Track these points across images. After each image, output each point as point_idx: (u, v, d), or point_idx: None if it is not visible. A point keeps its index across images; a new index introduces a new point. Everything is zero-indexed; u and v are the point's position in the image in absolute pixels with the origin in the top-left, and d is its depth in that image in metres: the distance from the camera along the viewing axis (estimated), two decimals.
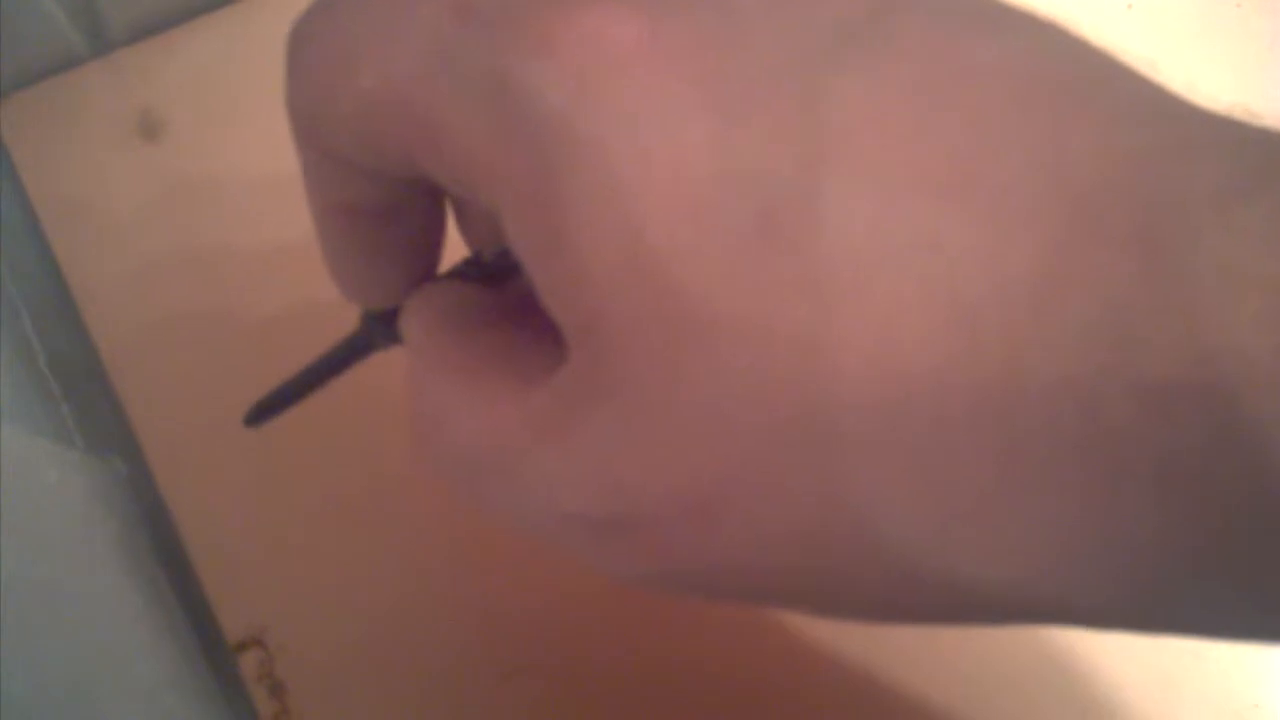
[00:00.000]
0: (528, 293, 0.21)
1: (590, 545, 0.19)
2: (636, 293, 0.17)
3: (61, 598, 0.29)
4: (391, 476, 0.33)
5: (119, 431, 0.33)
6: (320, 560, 0.33)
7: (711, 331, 0.16)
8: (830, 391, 0.16)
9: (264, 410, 0.28)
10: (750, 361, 0.16)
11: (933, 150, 0.16)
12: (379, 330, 0.24)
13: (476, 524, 0.32)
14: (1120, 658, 0.31)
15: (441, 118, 0.18)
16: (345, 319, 0.25)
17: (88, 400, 0.34)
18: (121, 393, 0.33)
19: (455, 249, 0.24)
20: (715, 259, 0.16)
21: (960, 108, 0.16)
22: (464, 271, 0.23)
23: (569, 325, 0.18)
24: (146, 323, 0.34)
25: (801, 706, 0.31)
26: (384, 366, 0.25)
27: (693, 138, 0.16)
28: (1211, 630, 0.16)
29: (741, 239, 0.16)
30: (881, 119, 0.16)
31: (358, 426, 0.33)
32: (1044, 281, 0.15)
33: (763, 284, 0.16)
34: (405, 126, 0.19)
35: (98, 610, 0.30)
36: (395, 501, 0.33)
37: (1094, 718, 0.31)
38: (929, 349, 0.15)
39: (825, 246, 0.15)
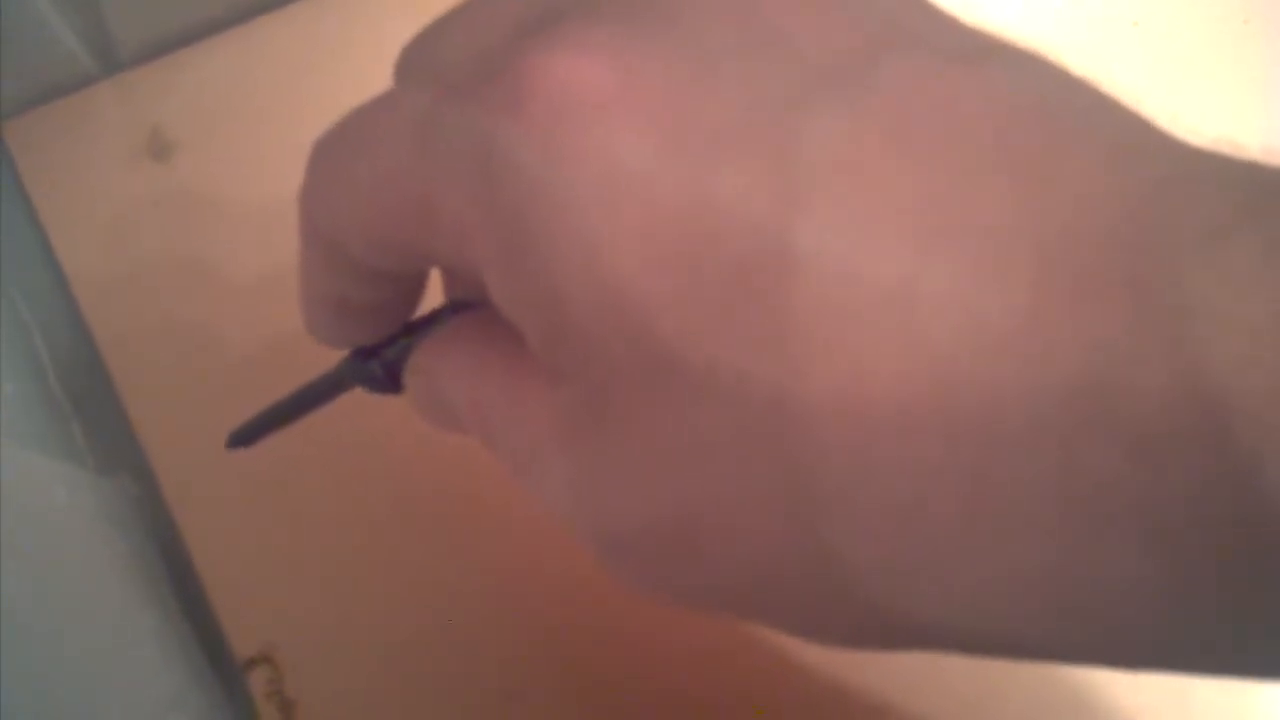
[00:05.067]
0: None
1: (598, 553, 0.20)
2: (616, 346, 0.17)
3: (70, 616, 0.29)
4: (401, 494, 0.33)
5: (129, 450, 0.34)
6: (329, 578, 0.33)
7: (686, 380, 0.17)
8: (799, 440, 0.16)
9: (247, 434, 0.28)
10: (722, 409, 0.16)
11: (911, 195, 0.15)
12: (360, 375, 0.25)
13: (486, 542, 0.32)
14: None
15: (430, 191, 0.19)
16: None
17: (98, 419, 0.34)
18: (131, 411, 0.34)
19: None
20: (690, 311, 0.16)
21: (941, 151, 0.16)
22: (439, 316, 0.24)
23: (560, 367, 0.19)
24: (157, 342, 0.34)
25: None
26: None
27: (664, 191, 0.16)
28: (1201, 669, 0.16)
29: (716, 291, 0.16)
30: (858, 164, 0.16)
31: (368, 445, 0.33)
32: (1023, 330, 0.14)
33: (736, 335, 0.16)
34: (401, 213, 0.19)
35: (106, 628, 0.30)
36: (405, 519, 0.33)
37: None
38: (900, 400, 0.15)
39: (797, 297, 0.15)
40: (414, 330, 0.24)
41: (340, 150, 0.21)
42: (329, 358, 0.26)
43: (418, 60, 0.21)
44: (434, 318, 0.23)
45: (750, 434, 0.16)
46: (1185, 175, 0.15)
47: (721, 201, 0.16)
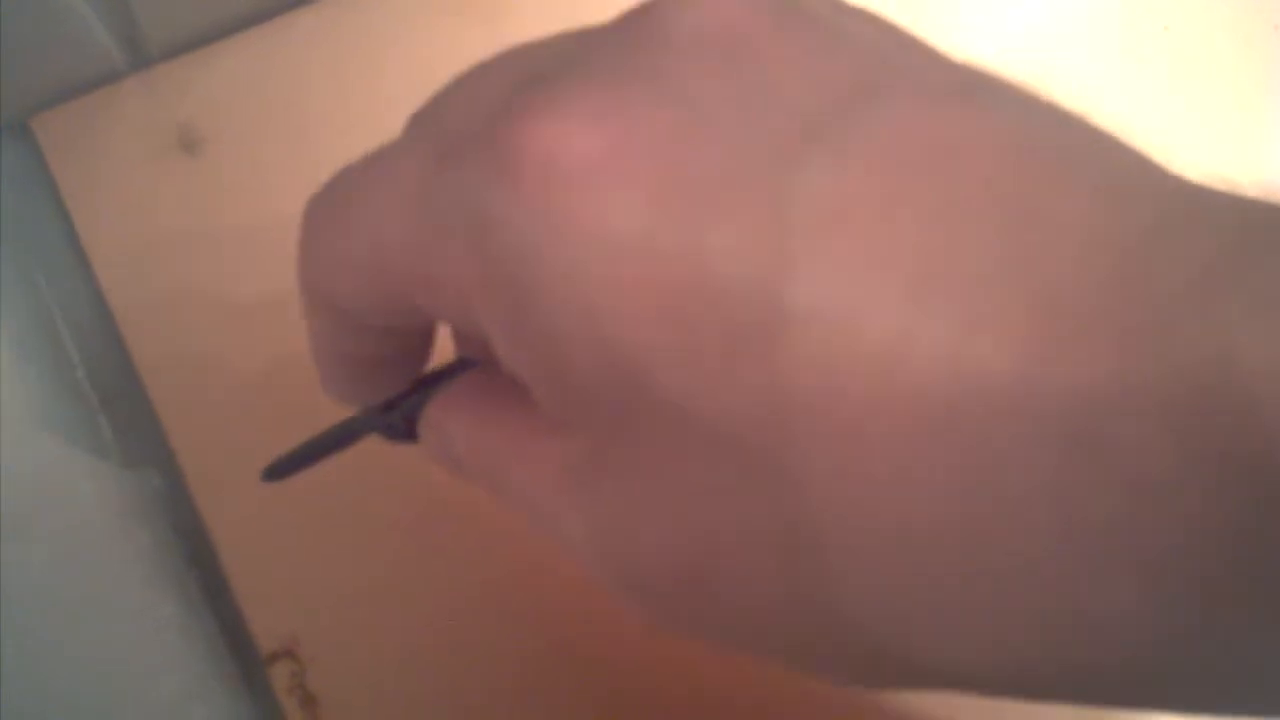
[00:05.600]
0: None
1: (615, 594, 0.20)
2: (618, 403, 0.17)
3: (93, 609, 0.29)
4: (426, 490, 0.33)
5: (155, 443, 0.34)
6: (354, 572, 0.33)
7: (687, 434, 0.17)
8: (797, 493, 0.16)
9: (279, 470, 0.29)
10: (723, 463, 0.17)
11: (902, 246, 0.15)
12: (378, 426, 0.25)
13: (511, 541, 0.32)
14: None
15: (431, 265, 0.19)
16: None
17: (124, 412, 0.34)
18: (158, 404, 0.34)
19: None
20: (688, 370, 0.17)
21: (930, 198, 0.16)
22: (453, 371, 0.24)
23: (565, 421, 0.19)
24: (184, 335, 0.34)
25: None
26: None
27: (656, 254, 0.16)
28: (1207, 709, 0.16)
29: (712, 349, 0.16)
30: (848, 216, 0.16)
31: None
32: (1016, 384, 0.14)
33: (733, 392, 0.16)
34: (402, 280, 0.20)
35: (129, 621, 0.30)
36: (429, 517, 0.33)
37: None
38: (894, 457, 0.15)
39: (790, 354, 0.16)
40: (428, 384, 0.24)
41: (336, 218, 0.21)
42: None
43: (417, 127, 0.21)
44: (447, 372, 0.24)
45: (750, 487, 0.17)
46: (1176, 217, 0.15)
47: (713, 262, 0.16)
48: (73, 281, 0.35)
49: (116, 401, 0.34)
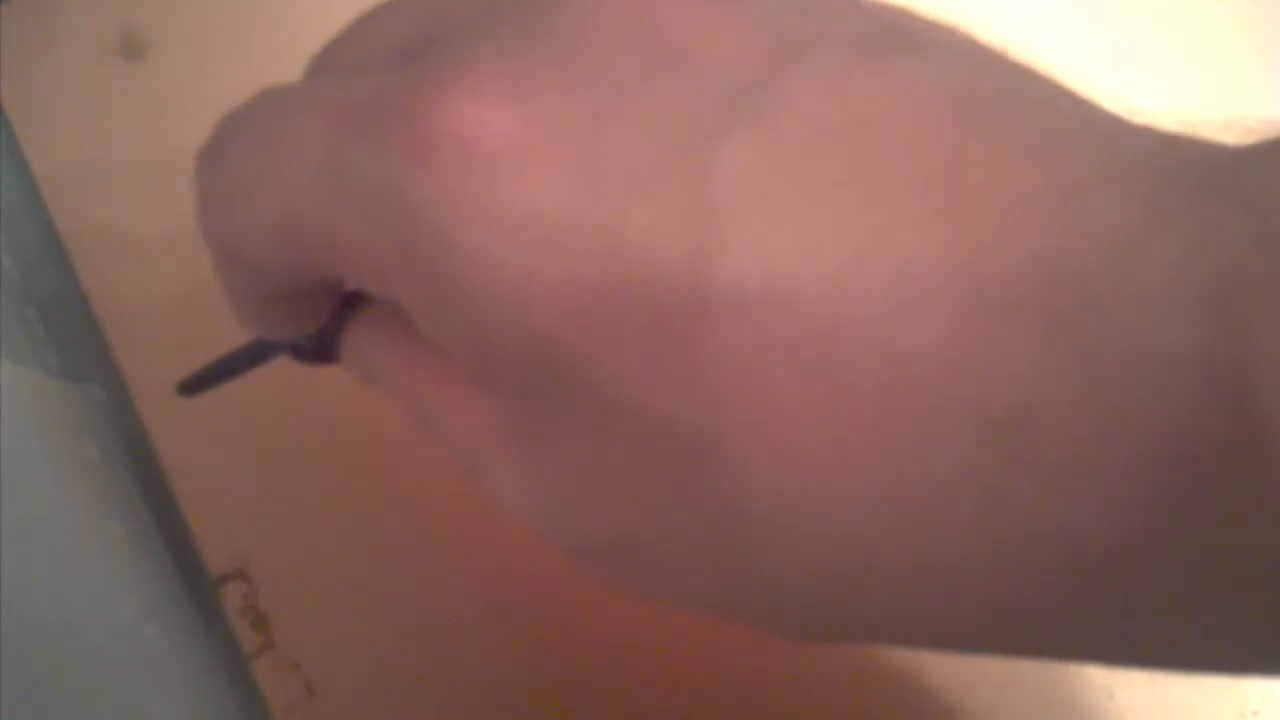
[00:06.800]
0: None
1: (555, 548, 0.20)
2: (546, 388, 0.17)
3: (39, 529, 0.28)
4: (378, 406, 0.32)
5: (99, 358, 0.33)
6: (305, 492, 0.32)
7: (617, 419, 0.17)
8: (728, 478, 0.16)
9: (194, 384, 0.28)
10: (653, 447, 0.17)
11: (825, 226, 0.15)
12: (284, 348, 0.25)
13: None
14: None
15: (341, 233, 0.18)
16: None
17: (68, 327, 0.33)
18: (102, 319, 0.33)
19: None
20: (615, 358, 0.16)
21: (852, 171, 0.15)
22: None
23: (495, 393, 0.19)
24: (128, 246, 0.33)
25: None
26: None
27: (577, 239, 0.16)
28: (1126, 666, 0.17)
29: (638, 336, 0.16)
30: (770, 194, 0.15)
31: None
32: (941, 366, 0.14)
33: (661, 379, 0.16)
34: (310, 244, 0.19)
35: (76, 541, 0.30)
36: (383, 431, 0.32)
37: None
38: (823, 439, 0.15)
39: (715, 340, 0.15)
40: (341, 312, 0.23)
41: (235, 176, 0.20)
42: None
43: (316, 74, 0.20)
44: (364, 298, 0.23)
45: (681, 470, 0.17)
46: (1098, 172, 0.15)
47: (635, 247, 0.16)
48: (12, 192, 0.34)
49: (59, 315, 0.33)
